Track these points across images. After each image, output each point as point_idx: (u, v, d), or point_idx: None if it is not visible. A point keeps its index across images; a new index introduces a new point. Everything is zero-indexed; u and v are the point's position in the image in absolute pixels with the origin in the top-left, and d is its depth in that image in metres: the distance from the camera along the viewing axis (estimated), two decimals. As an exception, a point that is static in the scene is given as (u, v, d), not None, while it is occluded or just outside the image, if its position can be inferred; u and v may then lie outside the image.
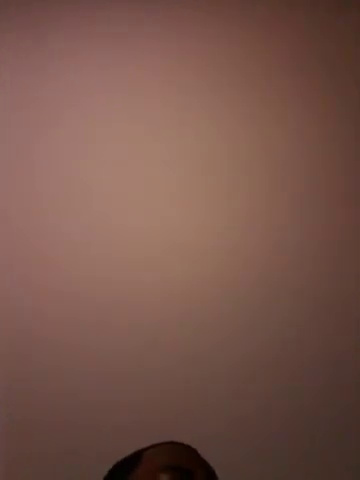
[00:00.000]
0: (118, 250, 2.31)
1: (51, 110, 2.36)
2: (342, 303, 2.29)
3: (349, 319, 2.29)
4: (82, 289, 2.29)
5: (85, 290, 2.29)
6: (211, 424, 2.25)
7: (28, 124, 2.35)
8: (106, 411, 2.25)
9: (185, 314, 2.28)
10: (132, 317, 2.28)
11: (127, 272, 2.30)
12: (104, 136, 2.35)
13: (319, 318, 2.29)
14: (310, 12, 2.40)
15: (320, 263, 2.31)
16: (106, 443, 2.23)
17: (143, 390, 2.26)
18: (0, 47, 2.37)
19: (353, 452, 2.23)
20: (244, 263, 2.31)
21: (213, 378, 2.26)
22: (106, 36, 2.38)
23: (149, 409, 2.25)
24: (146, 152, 2.35)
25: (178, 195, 2.33)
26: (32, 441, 2.24)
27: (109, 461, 2.22)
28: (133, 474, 1.39)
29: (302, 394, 2.26)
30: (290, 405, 2.25)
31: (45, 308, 2.28)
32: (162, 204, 2.33)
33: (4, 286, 2.29)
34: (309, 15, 2.40)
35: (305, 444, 2.24)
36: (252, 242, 2.32)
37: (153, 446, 1.45)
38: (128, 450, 2.20)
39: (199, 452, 2.12)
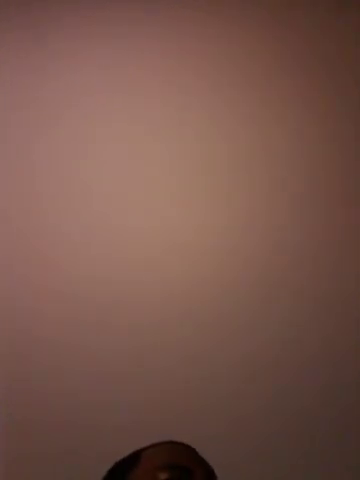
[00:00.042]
0: (118, 250, 2.31)
1: (51, 110, 2.36)
2: (342, 303, 2.29)
3: (349, 319, 2.29)
4: (82, 289, 2.29)
5: (85, 290, 2.29)
6: (211, 424, 2.24)
7: (28, 124, 2.35)
8: (106, 411, 2.25)
9: (185, 314, 2.28)
10: (132, 317, 2.28)
11: (127, 272, 2.30)
12: (104, 136, 2.35)
13: (319, 318, 2.29)
14: (310, 12, 2.40)
15: (320, 263, 2.31)
16: (106, 443, 2.23)
17: (143, 390, 2.26)
18: (0, 47, 2.38)
19: (353, 452, 2.23)
20: (244, 263, 2.31)
21: (213, 378, 2.26)
22: (106, 36, 2.38)
23: (149, 409, 2.25)
24: (146, 152, 2.35)
25: (178, 195, 2.33)
26: (32, 441, 2.24)
27: (109, 461, 2.22)
28: (132, 474, 1.39)
29: (302, 394, 2.26)
30: (290, 405, 2.25)
31: (45, 308, 2.28)
32: (162, 204, 2.33)
33: (4, 286, 2.29)
34: (309, 15, 2.40)
35: (305, 444, 2.24)
36: (252, 242, 2.32)
37: (152, 446, 1.45)
38: (128, 450, 2.20)
39: (199, 452, 2.12)
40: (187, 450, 1.41)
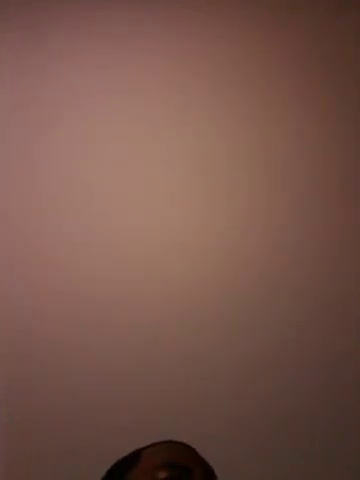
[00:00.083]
0: (118, 250, 2.30)
1: (51, 110, 2.36)
2: (342, 303, 2.29)
3: (349, 319, 2.28)
4: (82, 289, 2.29)
5: (85, 290, 2.29)
6: (211, 424, 2.24)
7: (28, 124, 2.35)
8: (106, 411, 2.25)
9: (185, 314, 2.28)
10: (132, 317, 2.28)
11: (127, 272, 2.30)
12: (104, 136, 2.35)
13: (319, 318, 2.28)
14: (310, 12, 2.40)
15: (320, 263, 2.31)
16: (106, 443, 2.23)
17: (143, 390, 2.26)
18: (0, 47, 2.38)
19: (353, 452, 2.23)
20: (244, 263, 2.31)
21: (213, 378, 2.26)
22: (106, 36, 2.38)
23: (149, 409, 2.25)
24: (146, 152, 2.35)
25: (178, 195, 2.33)
26: (32, 441, 2.23)
27: (109, 461, 2.21)
28: (132, 473, 1.39)
29: (302, 394, 2.26)
30: (290, 405, 2.25)
31: (45, 308, 2.28)
32: (162, 204, 2.33)
33: (4, 286, 2.29)
34: (309, 15, 2.40)
35: (305, 444, 2.24)
36: (252, 242, 2.31)
37: (152, 445, 1.45)
38: (128, 450, 2.20)
39: (199, 452, 2.12)
40: (187, 450, 1.41)
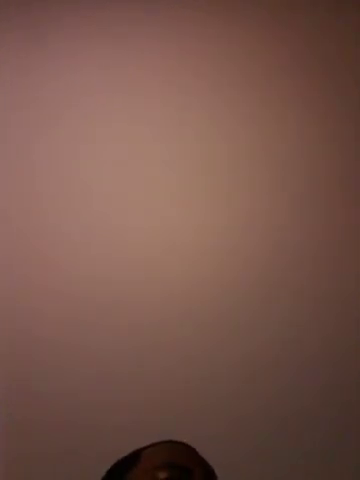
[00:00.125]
0: (118, 250, 2.30)
1: (51, 110, 2.36)
2: (342, 303, 2.29)
3: (349, 319, 2.28)
4: (82, 289, 2.29)
5: (85, 290, 2.29)
6: (211, 424, 2.24)
7: (28, 124, 2.35)
8: (106, 411, 2.25)
9: (185, 314, 2.28)
10: (132, 317, 2.28)
11: (127, 272, 2.30)
12: (104, 136, 2.35)
13: (319, 318, 2.28)
14: (310, 12, 2.40)
15: (320, 263, 2.31)
16: (106, 443, 2.23)
17: (143, 390, 2.26)
18: (0, 47, 2.38)
19: (353, 452, 2.23)
20: (244, 263, 2.31)
21: (213, 378, 2.26)
22: (106, 36, 2.38)
23: (149, 409, 2.25)
24: (146, 152, 2.35)
25: (178, 195, 2.33)
26: (32, 441, 2.23)
27: (109, 461, 2.21)
28: (132, 473, 1.39)
29: (302, 394, 2.26)
30: (290, 405, 2.25)
31: (45, 308, 2.28)
32: (162, 204, 2.33)
33: (4, 286, 2.29)
34: (309, 15, 2.40)
35: (305, 444, 2.24)
36: (252, 242, 2.32)
37: (152, 445, 1.45)
38: (128, 450, 2.20)
39: (199, 452, 2.12)
40: (187, 450, 1.41)
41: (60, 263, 2.30)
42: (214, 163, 2.34)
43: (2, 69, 2.37)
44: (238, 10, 2.39)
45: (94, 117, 2.35)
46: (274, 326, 2.28)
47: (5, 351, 2.27)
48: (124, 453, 1.54)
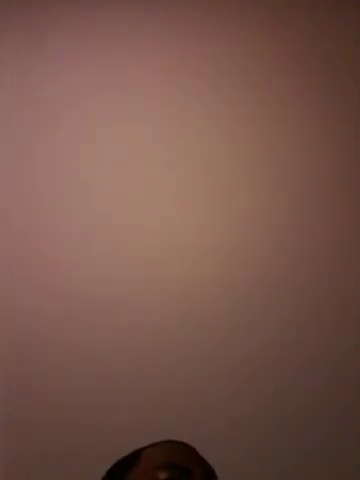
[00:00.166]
0: (118, 250, 2.30)
1: (51, 110, 2.36)
2: (342, 303, 2.29)
3: (349, 319, 2.28)
4: (82, 289, 2.29)
5: (85, 290, 2.29)
6: (211, 424, 2.24)
7: (28, 124, 2.35)
8: (106, 411, 2.25)
9: (185, 314, 2.28)
10: (132, 317, 2.28)
11: (127, 272, 2.30)
12: (104, 136, 2.35)
13: (319, 318, 2.28)
14: (310, 12, 2.40)
15: (320, 263, 2.31)
16: (106, 443, 2.23)
17: (143, 390, 2.25)
18: (0, 47, 2.38)
19: (353, 452, 2.23)
20: (244, 263, 2.31)
21: (213, 378, 2.26)
22: (106, 36, 2.38)
23: (149, 409, 2.25)
24: (146, 152, 2.35)
25: (178, 195, 2.33)
26: (32, 441, 2.23)
27: (109, 461, 2.21)
28: (131, 473, 1.39)
29: (302, 394, 2.26)
30: (290, 405, 2.25)
31: (45, 308, 2.28)
32: (162, 204, 2.33)
33: (4, 286, 2.29)
34: (309, 15, 2.40)
35: (305, 444, 2.24)
36: (252, 242, 2.31)
37: (152, 445, 1.45)
38: (128, 450, 2.20)
39: (199, 452, 2.12)
40: (187, 450, 1.41)
41: (60, 263, 2.30)
42: (214, 163, 2.34)
43: (2, 69, 2.37)
44: (238, 10, 2.39)
45: (94, 117, 2.35)
46: (274, 326, 2.28)
47: (5, 351, 2.27)
48: (124, 453, 1.54)
